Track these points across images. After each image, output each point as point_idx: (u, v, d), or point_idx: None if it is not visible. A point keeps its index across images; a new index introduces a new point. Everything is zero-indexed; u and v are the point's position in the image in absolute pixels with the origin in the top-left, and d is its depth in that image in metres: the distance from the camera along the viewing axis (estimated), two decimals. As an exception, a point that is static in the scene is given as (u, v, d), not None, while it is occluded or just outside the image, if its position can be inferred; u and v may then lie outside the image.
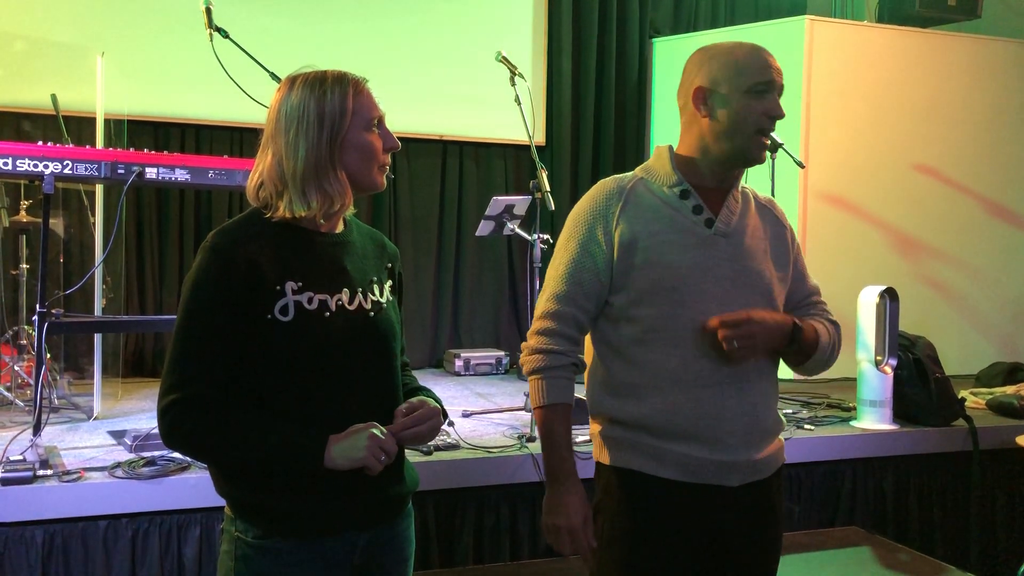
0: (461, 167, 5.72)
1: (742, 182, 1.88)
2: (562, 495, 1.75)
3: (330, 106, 1.54)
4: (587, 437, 1.90)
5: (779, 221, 1.90)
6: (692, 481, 1.74)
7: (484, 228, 4.31)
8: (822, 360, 1.87)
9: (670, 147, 1.84)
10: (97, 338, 3.99)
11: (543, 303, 1.81)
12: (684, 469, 1.73)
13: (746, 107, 1.74)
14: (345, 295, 1.59)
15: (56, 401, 3.92)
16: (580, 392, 1.86)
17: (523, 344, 1.83)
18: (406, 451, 1.71)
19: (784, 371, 1.96)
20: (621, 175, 1.85)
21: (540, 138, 5.79)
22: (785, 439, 3.38)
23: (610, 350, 1.80)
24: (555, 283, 1.80)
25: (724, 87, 1.75)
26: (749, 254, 1.80)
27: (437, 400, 1.69)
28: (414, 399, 1.62)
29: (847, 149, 5.24)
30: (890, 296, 3.70)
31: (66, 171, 2.92)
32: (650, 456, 1.75)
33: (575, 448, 3.14)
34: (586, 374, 1.88)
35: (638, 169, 1.87)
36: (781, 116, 1.76)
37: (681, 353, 1.73)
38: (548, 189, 3.46)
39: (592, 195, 1.82)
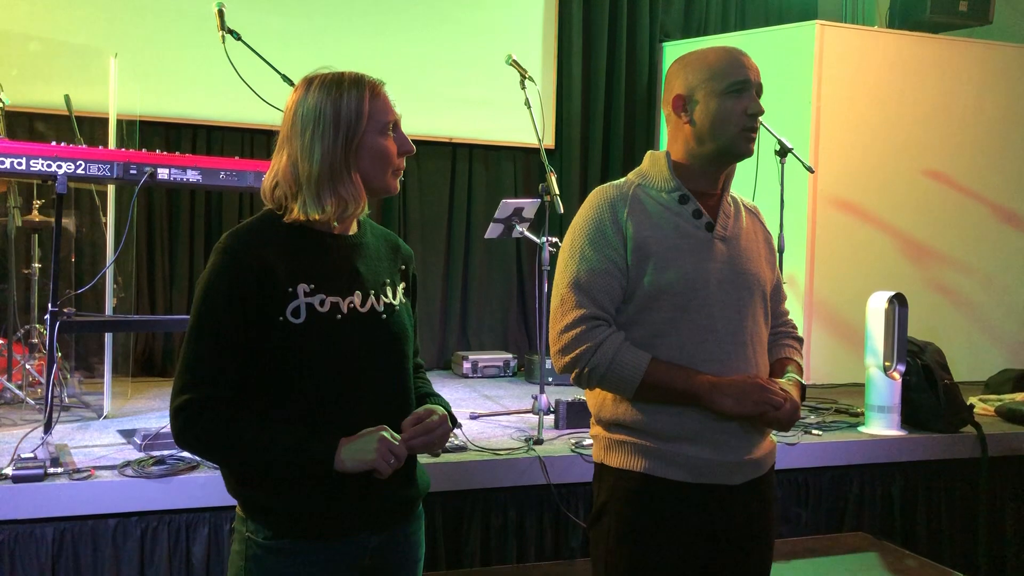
0: (471, 170, 5.72)
1: (733, 189, 1.91)
2: (722, 386, 1.73)
3: (346, 109, 1.54)
4: (590, 440, 1.91)
5: (764, 227, 1.97)
6: (698, 482, 1.77)
7: (493, 231, 4.32)
8: None
9: (667, 153, 1.86)
10: (108, 337, 4.01)
11: (567, 314, 1.76)
12: (691, 470, 1.76)
13: (724, 108, 1.78)
14: (357, 297, 1.59)
15: (67, 400, 3.94)
16: (582, 395, 1.86)
17: (557, 366, 1.80)
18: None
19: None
20: (617, 181, 1.87)
21: (550, 141, 5.80)
22: (793, 444, 3.41)
23: None
24: (576, 290, 1.76)
25: (700, 92, 1.79)
26: (747, 257, 1.84)
27: (446, 406, 1.69)
28: (421, 409, 1.62)
29: (857, 154, 5.23)
30: (899, 302, 3.69)
31: (79, 171, 2.94)
32: (657, 458, 1.77)
33: (579, 450, 3.16)
34: None
35: (632, 175, 1.88)
36: (760, 112, 1.79)
37: (686, 356, 1.75)
38: (557, 192, 3.47)
39: (596, 203, 1.82)
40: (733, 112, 1.77)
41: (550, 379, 4.53)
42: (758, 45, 5.35)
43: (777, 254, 2.01)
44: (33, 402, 3.83)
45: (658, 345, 1.75)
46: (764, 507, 1.86)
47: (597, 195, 1.84)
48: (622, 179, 1.88)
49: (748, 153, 1.82)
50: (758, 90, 1.81)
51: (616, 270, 1.76)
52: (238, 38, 3.23)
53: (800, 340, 2.01)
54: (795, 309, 5.08)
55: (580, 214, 1.84)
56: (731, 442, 1.77)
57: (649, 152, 1.90)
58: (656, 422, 1.76)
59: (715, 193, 1.85)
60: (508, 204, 4.23)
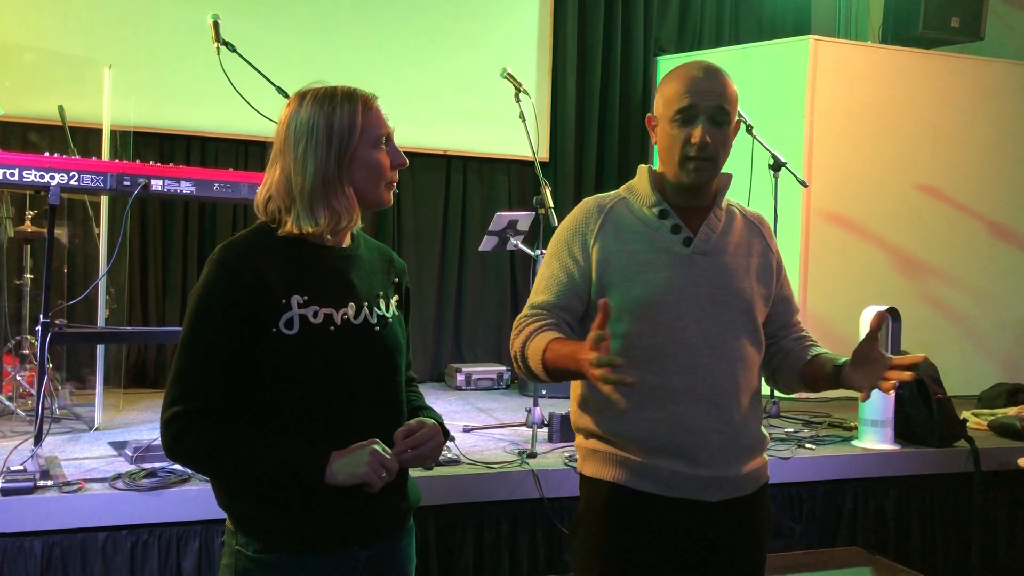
0: (465, 182, 5.73)
1: (727, 198, 1.90)
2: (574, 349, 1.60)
3: (339, 123, 1.54)
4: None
5: (765, 239, 1.92)
6: (672, 495, 1.75)
7: (487, 243, 4.32)
8: None
9: (649, 167, 1.88)
10: (99, 349, 3.99)
11: (521, 312, 1.84)
12: (663, 483, 1.75)
13: (670, 136, 1.78)
14: (351, 309, 1.59)
15: (57, 411, 3.92)
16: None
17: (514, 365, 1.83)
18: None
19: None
20: (604, 194, 1.89)
21: (544, 154, 5.81)
22: (786, 459, 3.41)
23: None
24: (533, 296, 1.84)
25: (659, 115, 1.81)
26: (730, 272, 1.81)
27: (438, 419, 1.69)
28: (413, 421, 1.61)
29: (850, 168, 5.25)
30: (892, 316, 3.69)
31: (72, 182, 2.93)
32: (629, 469, 1.77)
33: (573, 464, 3.16)
34: (570, 392, 1.92)
35: (622, 188, 1.90)
36: (698, 143, 1.73)
37: (658, 370, 1.75)
38: (551, 205, 3.47)
39: (573, 214, 1.86)
40: (676, 140, 1.76)
41: (544, 392, 4.52)
42: (752, 60, 5.38)
43: (782, 267, 1.94)
44: (23, 414, 3.81)
45: (630, 358, 1.75)
46: (748, 529, 1.82)
47: (579, 207, 1.88)
48: (612, 192, 1.90)
49: (695, 182, 1.77)
50: (714, 115, 1.74)
51: (571, 280, 1.79)
52: (233, 50, 3.23)
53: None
54: (789, 323, 5.07)
55: (560, 224, 1.89)
56: (704, 457, 1.74)
57: (640, 165, 1.91)
58: (629, 433, 1.76)
59: (704, 206, 1.84)
60: (502, 217, 4.24)
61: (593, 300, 1.79)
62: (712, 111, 1.74)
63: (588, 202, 1.87)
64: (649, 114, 1.85)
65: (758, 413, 1.86)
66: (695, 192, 1.82)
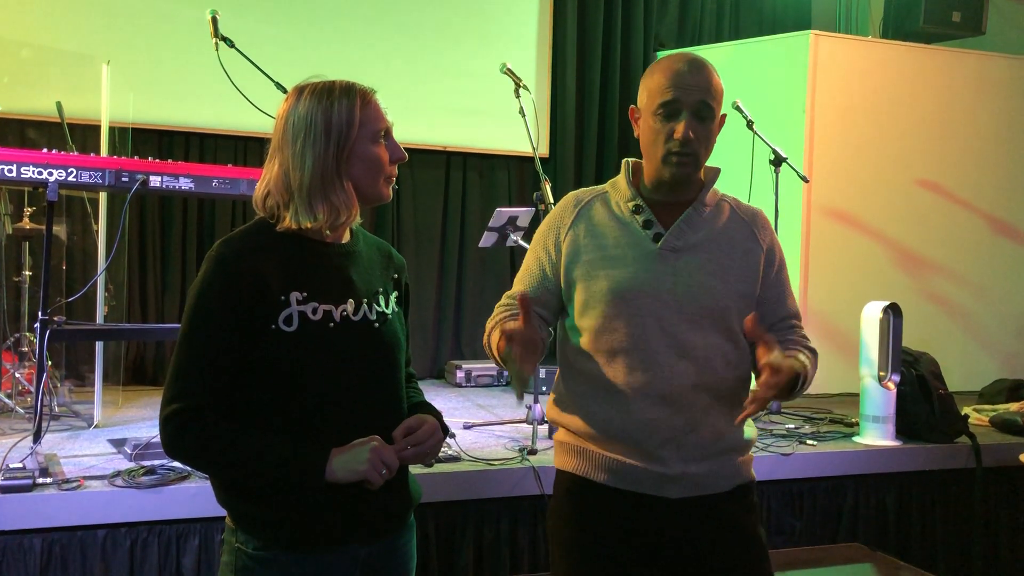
0: (465, 178, 5.72)
1: (723, 193, 1.89)
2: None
3: (337, 117, 1.54)
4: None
5: (756, 237, 1.84)
6: (629, 489, 1.76)
7: (487, 239, 4.31)
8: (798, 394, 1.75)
9: (628, 162, 1.88)
10: (98, 346, 3.98)
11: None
12: (619, 476, 1.76)
13: (652, 130, 1.76)
14: (350, 306, 1.58)
15: (56, 409, 3.91)
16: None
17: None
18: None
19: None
20: (587, 189, 1.91)
21: (544, 150, 5.80)
22: (788, 455, 3.40)
23: (564, 361, 1.87)
24: (513, 288, 1.90)
25: (642, 107, 1.80)
26: (701, 269, 1.76)
27: (438, 416, 1.68)
28: (412, 418, 1.61)
29: (851, 164, 5.24)
30: (894, 312, 3.68)
31: (70, 179, 2.92)
32: (589, 461, 1.79)
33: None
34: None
35: (608, 183, 1.90)
36: (681, 139, 1.71)
37: (616, 365, 1.75)
38: (551, 201, 3.46)
39: (555, 209, 1.90)
40: (659, 135, 1.74)
41: (544, 389, 4.52)
42: (752, 55, 5.36)
43: (772, 265, 1.85)
44: (22, 411, 3.80)
45: (592, 352, 1.77)
46: (723, 530, 1.78)
47: (560, 201, 1.90)
48: (599, 186, 1.91)
49: (673, 180, 1.75)
50: (698, 110, 1.71)
51: (540, 272, 1.84)
52: (231, 45, 3.22)
53: (813, 352, 1.82)
54: (789, 319, 5.06)
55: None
56: (661, 453, 1.72)
57: (623, 160, 1.91)
58: (587, 426, 1.78)
59: (686, 201, 1.80)
60: (502, 213, 4.23)
61: (564, 294, 1.82)
62: (696, 106, 1.72)
63: (568, 197, 1.89)
64: (632, 106, 1.83)
65: (730, 411, 1.78)
66: (675, 187, 1.79)
